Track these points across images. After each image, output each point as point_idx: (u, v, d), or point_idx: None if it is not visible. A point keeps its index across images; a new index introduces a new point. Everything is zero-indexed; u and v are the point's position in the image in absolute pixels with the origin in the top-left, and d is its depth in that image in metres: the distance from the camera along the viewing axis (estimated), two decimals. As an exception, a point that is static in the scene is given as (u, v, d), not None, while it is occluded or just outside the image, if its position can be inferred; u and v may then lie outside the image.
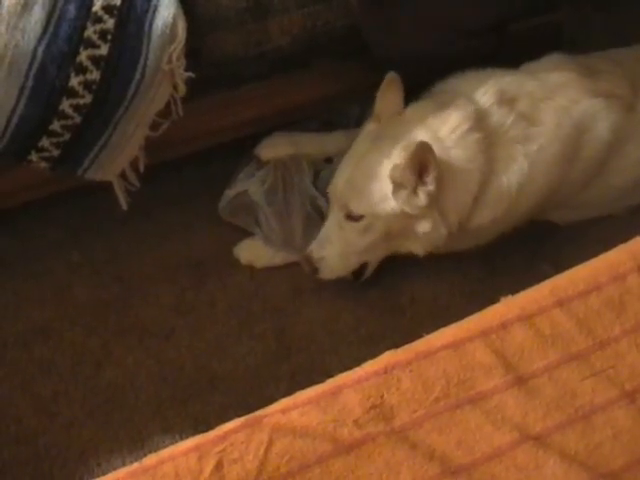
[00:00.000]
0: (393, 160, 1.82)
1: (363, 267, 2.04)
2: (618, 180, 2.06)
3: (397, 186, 1.82)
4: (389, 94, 1.93)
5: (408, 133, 1.86)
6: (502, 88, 1.93)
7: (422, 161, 1.77)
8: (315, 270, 1.99)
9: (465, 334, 1.45)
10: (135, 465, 1.31)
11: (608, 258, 1.59)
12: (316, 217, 2.13)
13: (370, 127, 1.95)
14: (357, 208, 1.89)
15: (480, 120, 1.87)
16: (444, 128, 1.86)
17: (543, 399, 1.41)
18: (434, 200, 1.82)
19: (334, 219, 1.95)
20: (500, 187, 1.89)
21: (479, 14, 2.00)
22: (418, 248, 1.95)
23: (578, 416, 1.41)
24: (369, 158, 1.88)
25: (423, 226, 1.88)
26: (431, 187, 1.79)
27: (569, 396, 1.42)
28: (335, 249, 1.96)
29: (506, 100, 1.92)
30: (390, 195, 1.83)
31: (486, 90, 1.93)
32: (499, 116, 1.90)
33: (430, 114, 1.88)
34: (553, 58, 2.03)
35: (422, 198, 1.81)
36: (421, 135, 1.83)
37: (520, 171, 1.89)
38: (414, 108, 1.93)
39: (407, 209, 1.83)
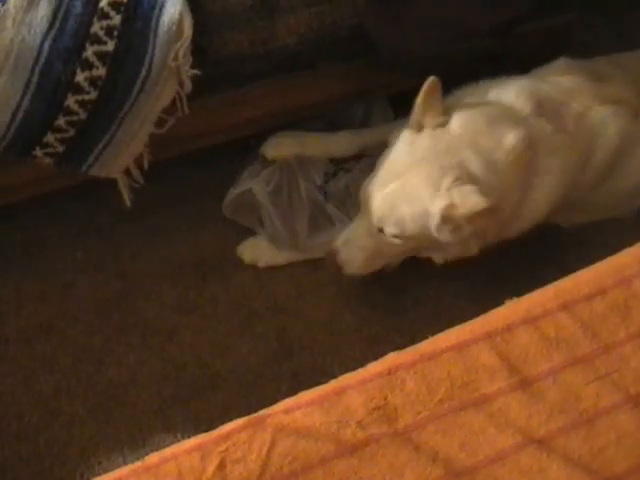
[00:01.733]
0: (442, 194, 1.72)
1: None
2: (623, 184, 2.05)
3: (445, 222, 1.74)
4: (430, 100, 1.77)
5: (458, 156, 1.76)
6: (531, 91, 1.89)
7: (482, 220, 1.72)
8: (339, 267, 1.96)
9: (469, 336, 1.45)
10: (137, 463, 1.31)
11: (613, 262, 1.59)
12: (320, 218, 2.13)
13: (410, 137, 1.82)
14: (393, 230, 1.82)
15: (529, 136, 1.81)
16: (499, 152, 1.78)
17: (547, 402, 1.41)
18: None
19: (364, 225, 1.89)
20: (536, 202, 1.87)
21: (484, 15, 2.00)
22: (441, 259, 1.93)
23: (582, 420, 1.40)
24: (411, 180, 1.77)
25: (456, 248, 1.85)
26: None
27: (573, 400, 1.42)
28: (363, 254, 1.92)
29: (538, 105, 1.87)
30: (431, 224, 1.75)
31: (526, 99, 1.87)
32: (539, 128, 1.85)
33: (480, 132, 1.79)
34: (562, 63, 2.01)
35: (466, 232, 1.76)
36: (474, 161, 1.75)
37: (554, 183, 1.86)
38: (461, 120, 1.81)
39: (447, 239, 1.77)
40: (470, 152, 1.76)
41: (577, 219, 2.14)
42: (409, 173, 1.78)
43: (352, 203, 2.09)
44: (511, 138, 1.79)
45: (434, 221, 1.73)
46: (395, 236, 1.83)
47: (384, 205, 1.81)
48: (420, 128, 1.80)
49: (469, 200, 1.68)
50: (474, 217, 1.69)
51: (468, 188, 1.70)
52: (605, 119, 1.94)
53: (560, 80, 1.96)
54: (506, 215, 1.83)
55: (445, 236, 1.76)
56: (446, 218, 1.72)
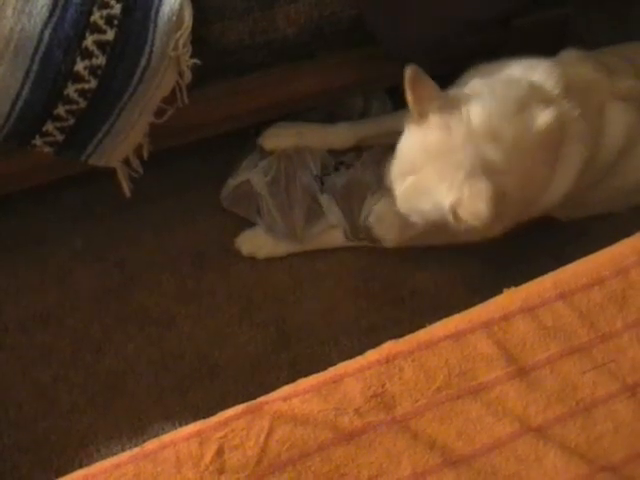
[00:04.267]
0: (454, 188, 1.66)
1: None
2: (624, 181, 2.04)
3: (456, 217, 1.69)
4: (418, 89, 1.70)
5: (476, 147, 1.68)
6: (560, 73, 1.83)
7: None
8: (376, 241, 2.02)
9: (467, 325, 1.45)
10: (136, 449, 1.31)
11: (611, 252, 1.59)
12: (317, 209, 2.13)
13: (418, 129, 1.74)
14: (416, 219, 1.80)
15: (560, 116, 1.76)
16: (528, 133, 1.71)
17: (544, 391, 1.41)
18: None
19: (393, 204, 1.84)
20: (556, 189, 1.84)
21: (484, 5, 1.99)
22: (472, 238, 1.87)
23: (579, 409, 1.41)
24: (427, 175, 1.72)
25: (479, 232, 1.75)
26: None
27: (570, 389, 1.42)
28: (394, 229, 1.97)
29: (566, 88, 1.81)
30: (448, 218, 1.69)
31: (557, 80, 1.81)
32: (567, 110, 1.79)
33: (504, 116, 1.72)
34: (572, 54, 1.96)
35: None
36: (494, 150, 1.67)
37: (573, 171, 1.82)
38: (481, 109, 1.71)
39: (467, 228, 1.71)
40: (490, 141, 1.68)
41: (574, 214, 2.13)
42: (425, 168, 1.72)
43: (356, 200, 2.11)
44: (544, 117, 1.73)
45: (449, 216, 1.68)
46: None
47: (404, 200, 1.79)
48: (423, 117, 1.72)
49: (478, 198, 1.62)
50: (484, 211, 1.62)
51: (480, 183, 1.63)
52: (616, 116, 1.91)
53: (577, 71, 1.91)
54: (531, 197, 1.81)
55: (464, 226, 1.70)
56: (456, 213, 1.67)
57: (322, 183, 2.14)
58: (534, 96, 1.78)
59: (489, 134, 1.69)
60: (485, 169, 1.66)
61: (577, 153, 1.83)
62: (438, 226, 1.77)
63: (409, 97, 1.71)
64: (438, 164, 1.70)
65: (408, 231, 1.93)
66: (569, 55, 1.96)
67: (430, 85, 1.71)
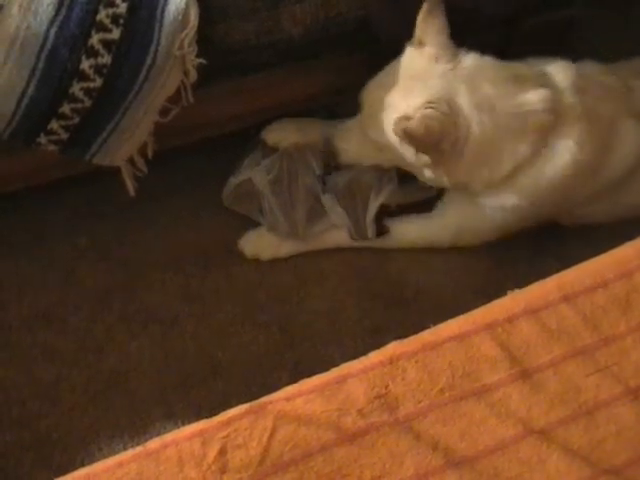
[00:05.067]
0: (409, 108, 1.78)
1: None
2: (630, 199, 2.04)
3: (400, 135, 1.79)
4: (431, 18, 1.80)
5: (451, 86, 1.79)
6: (575, 73, 1.88)
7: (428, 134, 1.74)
8: (333, 153, 2.04)
9: (471, 326, 1.45)
10: (138, 448, 1.31)
11: (615, 255, 1.59)
12: (319, 209, 2.13)
13: (412, 53, 1.86)
14: (373, 135, 1.90)
15: (557, 102, 1.82)
16: (509, 102, 1.80)
17: (547, 394, 1.42)
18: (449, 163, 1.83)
19: (359, 124, 1.96)
20: (537, 176, 1.86)
21: (492, 6, 2.00)
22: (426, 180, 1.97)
23: (582, 411, 1.41)
24: (396, 92, 1.84)
25: (428, 173, 1.89)
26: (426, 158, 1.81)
27: (573, 391, 1.42)
28: (354, 148, 2.00)
29: (577, 87, 1.86)
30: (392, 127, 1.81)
31: (561, 69, 1.88)
32: (570, 103, 1.84)
33: (493, 80, 1.81)
34: (590, 66, 1.98)
35: (425, 156, 1.82)
36: (466, 96, 1.78)
37: (560, 165, 1.85)
38: (477, 61, 1.84)
39: (411, 159, 1.85)
40: (467, 87, 1.79)
41: (577, 222, 2.13)
42: (398, 85, 1.84)
43: (358, 199, 2.11)
44: (533, 95, 1.80)
45: (392, 127, 1.79)
46: (375, 141, 1.91)
47: (369, 109, 1.90)
48: (421, 45, 1.83)
49: (421, 121, 1.72)
50: (421, 137, 1.74)
51: (432, 111, 1.74)
52: (629, 135, 1.92)
53: (595, 78, 1.94)
54: (493, 166, 1.85)
55: (410, 155, 1.83)
56: (398, 130, 1.76)
57: (324, 182, 2.14)
58: (538, 80, 1.83)
59: (470, 81, 1.79)
60: (449, 107, 1.76)
61: (567, 150, 1.85)
62: (391, 150, 1.89)
63: (418, 23, 1.82)
64: (410, 84, 1.82)
65: (365, 151, 1.98)
66: (590, 65, 1.98)
67: (441, 23, 1.80)
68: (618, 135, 1.92)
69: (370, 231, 2.09)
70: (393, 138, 1.82)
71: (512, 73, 1.83)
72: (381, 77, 1.91)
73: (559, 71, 1.88)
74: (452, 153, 1.80)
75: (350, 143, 2.00)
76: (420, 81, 1.81)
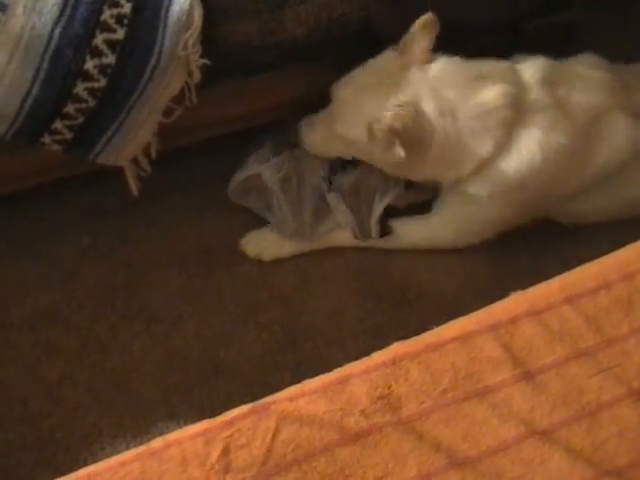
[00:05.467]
0: (380, 111, 1.83)
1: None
2: (625, 197, 2.05)
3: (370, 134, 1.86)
4: (424, 35, 1.86)
5: (417, 92, 1.86)
6: (549, 68, 1.91)
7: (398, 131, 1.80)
8: (299, 140, 2.08)
9: (474, 327, 1.45)
10: (142, 448, 1.31)
11: (618, 257, 1.59)
12: (325, 209, 2.13)
13: (390, 55, 1.92)
14: (339, 129, 1.96)
15: (517, 97, 1.85)
16: (469, 102, 1.84)
17: (550, 395, 1.41)
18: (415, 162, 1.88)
19: (328, 117, 2.01)
20: (504, 169, 1.88)
21: (493, 10, 2.00)
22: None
23: (584, 413, 1.41)
24: (367, 92, 1.90)
25: (392, 169, 1.98)
26: (402, 154, 1.84)
27: (576, 392, 1.42)
28: (319, 139, 2.04)
29: (548, 81, 1.89)
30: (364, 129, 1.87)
31: (533, 64, 1.91)
32: (535, 97, 1.87)
33: (455, 82, 1.86)
34: (590, 59, 2.00)
35: (396, 155, 1.85)
36: (429, 102, 1.84)
37: (530, 156, 1.87)
38: (443, 65, 1.89)
39: (379, 156, 1.92)
40: (431, 92, 1.85)
41: (575, 220, 2.14)
42: (370, 87, 1.90)
43: (363, 199, 2.12)
44: (487, 92, 1.84)
45: (365, 128, 1.86)
46: (341, 136, 1.96)
47: (339, 105, 1.96)
48: (403, 53, 1.88)
49: (392, 120, 1.78)
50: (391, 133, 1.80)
51: (404, 111, 1.80)
52: (621, 128, 1.93)
53: (588, 72, 1.96)
54: (457, 158, 1.89)
55: (379, 152, 1.89)
56: (371, 127, 1.84)
57: (330, 182, 2.14)
58: (504, 77, 1.87)
59: (435, 87, 1.85)
60: (416, 112, 1.82)
61: (532, 138, 1.87)
62: (357, 145, 1.96)
63: (408, 34, 1.87)
64: (384, 88, 1.88)
65: (330, 142, 2.02)
66: (587, 59, 2.00)
67: (428, 41, 1.87)
68: (607, 126, 1.93)
69: (374, 231, 2.10)
70: (361, 135, 1.88)
71: (476, 73, 1.87)
72: (355, 75, 1.95)
73: (529, 67, 1.91)
74: (418, 154, 1.85)
75: (317, 133, 2.04)
76: (392, 86, 1.87)
